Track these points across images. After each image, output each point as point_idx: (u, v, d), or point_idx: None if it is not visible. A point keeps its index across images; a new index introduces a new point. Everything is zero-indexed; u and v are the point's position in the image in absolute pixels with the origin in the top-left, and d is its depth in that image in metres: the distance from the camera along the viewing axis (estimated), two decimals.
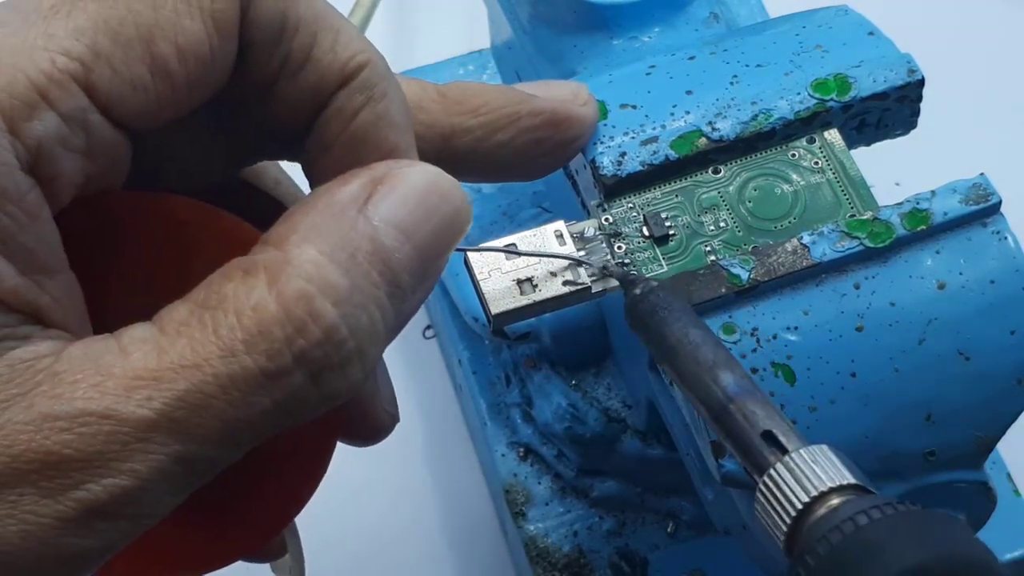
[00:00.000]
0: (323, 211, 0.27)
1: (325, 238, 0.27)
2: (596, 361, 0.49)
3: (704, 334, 0.32)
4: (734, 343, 0.34)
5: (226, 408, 0.26)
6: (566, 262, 0.35)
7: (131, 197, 0.29)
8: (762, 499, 0.29)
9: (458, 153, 0.34)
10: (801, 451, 0.29)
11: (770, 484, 0.29)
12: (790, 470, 0.29)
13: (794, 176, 0.37)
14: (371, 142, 0.29)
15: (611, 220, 0.36)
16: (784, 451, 0.29)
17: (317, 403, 0.27)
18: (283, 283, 0.26)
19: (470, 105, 0.34)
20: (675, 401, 0.37)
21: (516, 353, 0.50)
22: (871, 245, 0.35)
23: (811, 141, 0.37)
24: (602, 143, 0.37)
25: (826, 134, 0.37)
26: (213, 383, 0.25)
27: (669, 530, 0.48)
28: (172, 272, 0.29)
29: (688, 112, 0.37)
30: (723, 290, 0.35)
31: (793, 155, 0.37)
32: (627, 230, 0.36)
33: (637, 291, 0.33)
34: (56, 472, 0.25)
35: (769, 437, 0.30)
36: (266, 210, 0.31)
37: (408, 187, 0.28)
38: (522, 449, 0.50)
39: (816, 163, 0.37)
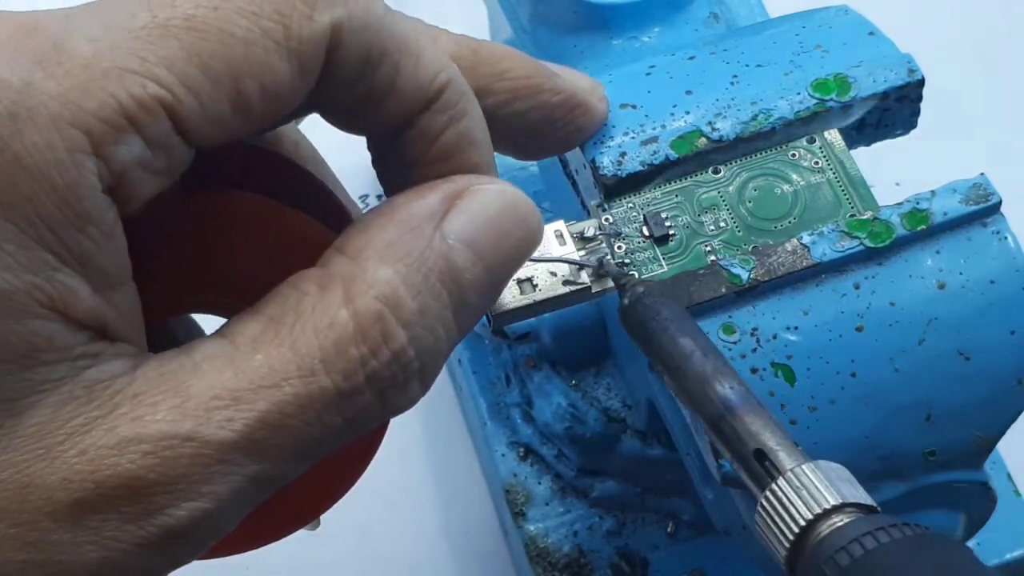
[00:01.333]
0: (400, 226, 0.27)
1: (401, 257, 0.27)
2: (596, 361, 0.49)
3: (695, 342, 0.32)
4: (734, 343, 0.34)
5: (302, 427, 0.26)
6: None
7: (190, 194, 0.29)
8: (763, 515, 0.29)
9: None
10: (802, 467, 0.29)
11: (772, 500, 0.29)
12: (791, 487, 0.29)
13: (794, 176, 0.37)
14: (453, 161, 0.29)
15: (611, 220, 0.36)
16: (779, 470, 0.29)
17: (379, 418, 0.27)
18: (359, 301, 0.26)
19: (498, 68, 0.34)
20: (675, 401, 0.37)
21: (516, 353, 0.50)
22: (871, 245, 0.35)
23: (811, 141, 0.37)
24: (602, 143, 0.37)
25: (826, 134, 0.37)
26: (292, 403, 0.26)
27: (669, 530, 0.48)
28: (235, 271, 0.29)
29: (688, 112, 0.37)
30: (723, 290, 0.35)
31: (793, 155, 0.37)
32: (627, 230, 0.36)
33: (626, 300, 0.33)
34: (140, 497, 0.25)
35: (763, 455, 0.30)
36: (283, 173, 0.31)
37: (486, 206, 0.28)
38: (522, 449, 0.50)
39: (816, 163, 0.37)
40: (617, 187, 0.36)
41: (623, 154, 0.37)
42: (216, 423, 0.25)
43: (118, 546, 0.25)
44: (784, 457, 0.29)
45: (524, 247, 0.29)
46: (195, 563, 0.56)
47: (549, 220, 0.36)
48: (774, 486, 0.29)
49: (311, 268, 0.27)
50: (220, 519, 0.25)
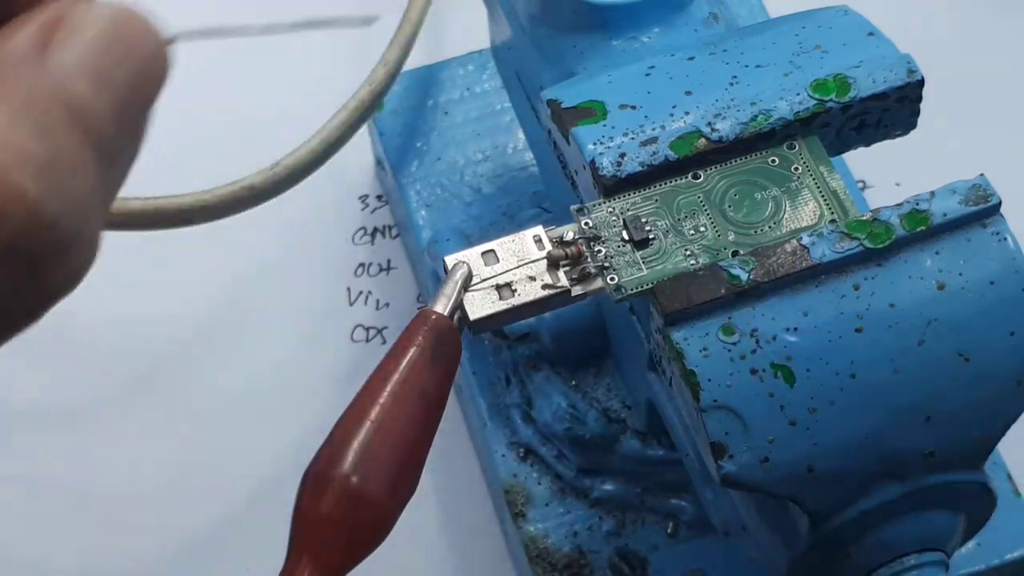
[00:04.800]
0: None
1: (7, 97, 0.21)
2: (596, 361, 0.49)
3: None
4: (734, 344, 0.34)
5: None
6: (543, 265, 0.35)
7: None
8: None
9: None
10: None
11: None
12: None
13: (774, 181, 0.37)
14: None
15: (591, 224, 0.36)
16: None
17: (36, 304, 0.22)
18: None
19: None
20: (674, 402, 0.37)
21: (516, 353, 0.50)
22: (871, 246, 0.35)
23: (791, 147, 0.37)
24: (602, 143, 0.37)
25: (806, 140, 0.37)
26: None
27: (669, 530, 0.48)
28: None
29: (688, 113, 0.37)
30: (723, 291, 0.35)
31: (773, 160, 0.37)
32: (607, 234, 0.36)
33: None
34: None
35: None
36: None
37: (93, 28, 0.23)
38: (522, 449, 0.50)
39: (796, 168, 0.37)
40: (616, 188, 0.36)
41: (622, 155, 0.37)
42: None
43: None
44: None
45: (152, 66, 0.24)
46: (195, 563, 0.56)
47: (548, 221, 0.36)
48: None
49: None
50: None
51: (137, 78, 0.24)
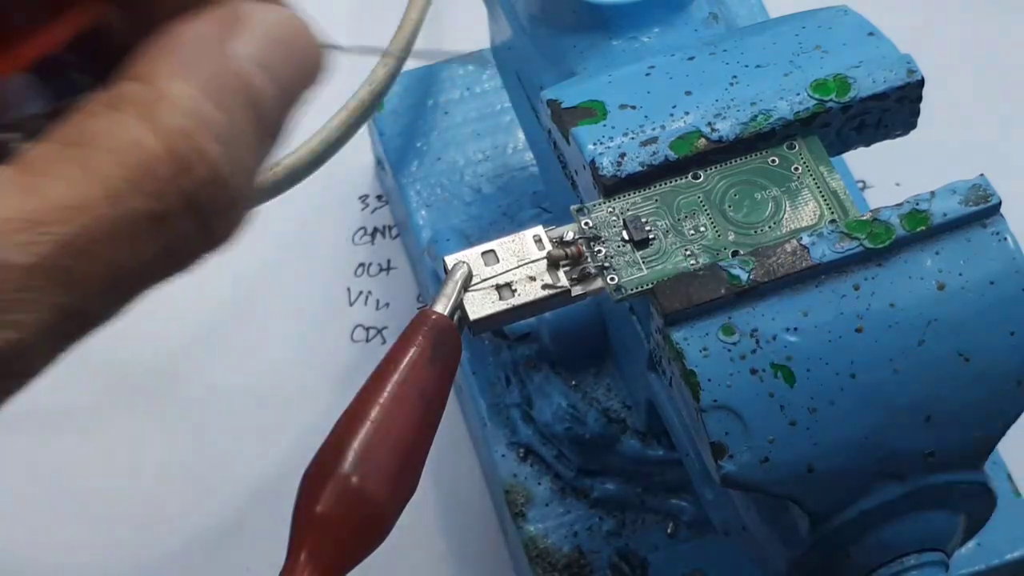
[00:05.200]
0: (186, 47, 0.25)
1: (196, 74, 0.25)
2: (596, 361, 0.49)
3: None
4: (734, 344, 0.34)
5: (114, 254, 0.24)
6: (543, 266, 0.35)
7: None
8: None
9: None
10: None
11: None
12: None
13: (774, 181, 0.37)
14: None
15: (591, 224, 0.36)
16: None
17: (202, 248, 0.25)
18: (163, 119, 0.24)
19: None
20: (674, 402, 0.37)
21: (516, 353, 0.50)
22: (870, 246, 0.35)
23: (791, 147, 0.37)
24: (602, 143, 0.37)
25: (806, 140, 0.37)
26: (100, 227, 0.24)
27: (669, 530, 0.48)
28: None
29: (688, 113, 0.37)
30: (723, 291, 0.35)
31: (773, 160, 0.37)
32: (607, 234, 0.36)
33: None
34: None
35: None
36: None
37: (267, 26, 0.26)
38: (522, 450, 0.50)
39: (796, 168, 0.37)
40: (617, 188, 0.36)
41: (623, 155, 0.37)
42: (15, 246, 0.23)
43: None
44: None
45: (312, 64, 0.27)
46: (195, 563, 0.56)
47: (548, 221, 0.36)
48: None
49: (99, 91, 0.25)
50: (29, 352, 0.23)
51: (297, 73, 0.27)
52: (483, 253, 0.35)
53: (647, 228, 0.36)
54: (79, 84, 0.28)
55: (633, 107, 0.38)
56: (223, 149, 0.25)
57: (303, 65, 0.27)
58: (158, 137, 0.24)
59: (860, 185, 0.57)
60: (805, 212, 0.36)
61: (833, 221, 0.36)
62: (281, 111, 0.27)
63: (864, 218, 0.36)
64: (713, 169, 0.37)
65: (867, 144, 0.39)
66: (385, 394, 0.31)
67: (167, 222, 0.24)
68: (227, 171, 0.25)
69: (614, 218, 0.36)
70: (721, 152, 0.37)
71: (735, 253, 0.35)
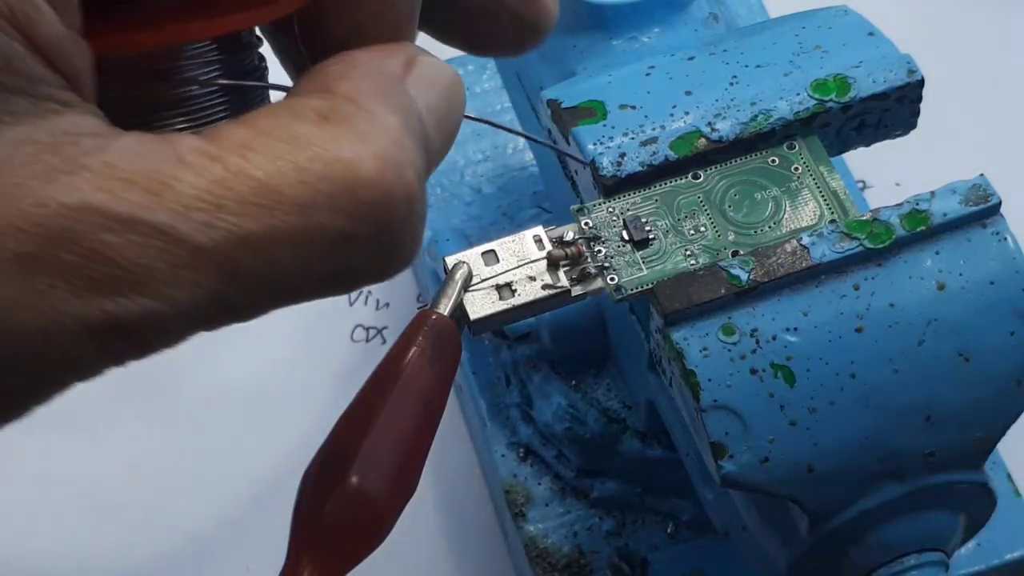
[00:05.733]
0: (382, 79, 0.26)
1: (398, 109, 0.25)
2: (596, 362, 0.49)
3: None
4: (734, 344, 0.34)
5: (287, 262, 0.23)
6: (543, 266, 0.35)
7: None
8: None
9: None
10: None
11: None
12: None
13: (774, 181, 0.37)
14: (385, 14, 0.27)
15: (591, 224, 0.36)
16: None
17: (371, 278, 0.25)
18: (378, 144, 0.24)
19: None
20: (675, 402, 0.37)
21: (516, 353, 0.50)
22: (871, 246, 0.35)
23: (791, 147, 0.37)
24: (602, 143, 0.37)
25: (806, 140, 0.37)
26: (285, 233, 0.23)
27: (669, 530, 0.48)
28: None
29: (688, 113, 0.37)
30: (723, 291, 0.35)
31: (773, 161, 0.37)
32: (607, 234, 0.36)
33: None
34: (95, 274, 0.22)
35: None
36: None
37: (440, 76, 0.27)
38: (522, 450, 0.50)
39: (796, 168, 0.37)
40: (617, 188, 0.36)
41: (622, 155, 0.37)
42: (195, 224, 0.23)
43: (58, 318, 0.22)
44: None
45: (459, 123, 0.28)
46: (195, 563, 0.56)
47: (547, 221, 0.36)
48: None
49: (301, 97, 0.25)
50: (168, 328, 0.23)
51: (454, 127, 0.28)
52: (483, 253, 0.35)
53: (647, 228, 0.36)
54: (250, 67, 0.29)
55: (633, 107, 0.38)
56: (420, 185, 0.25)
57: (457, 121, 0.28)
58: (374, 162, 0.24)
59: (860, 185, 0.57)
60: (805, 212, 0.36)
61: (833, 221, 0.36)
62: (437, 159, 0.27)
63: (864, 218, 0.36)
64: (713, 169, 0.37)
65: (867, 144, 0.39)
66: (385, 394, 0.31)
67: (350, 245, 0.24)
68: (419, 206, 0.25)
69: (614, 218, 0.36)
70: (721, 152, 0.37)
71: (735, 253, 0.35)
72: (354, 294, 0.56)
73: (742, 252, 0.35)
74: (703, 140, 0.37)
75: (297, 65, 0.29)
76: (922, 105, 0.39)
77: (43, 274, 0.22)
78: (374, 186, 0.24)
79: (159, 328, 0.23)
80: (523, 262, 0.35)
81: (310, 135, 0.24)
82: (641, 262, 0.35)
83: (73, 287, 0.22)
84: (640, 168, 0.36)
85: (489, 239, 0.35)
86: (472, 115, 0.32)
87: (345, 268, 0.25)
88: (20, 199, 0.22)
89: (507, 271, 0.35)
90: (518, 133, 0.40)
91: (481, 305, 0.34)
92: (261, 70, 0.29)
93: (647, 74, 0.39)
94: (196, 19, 0.27)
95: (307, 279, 0.24)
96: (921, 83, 0.38)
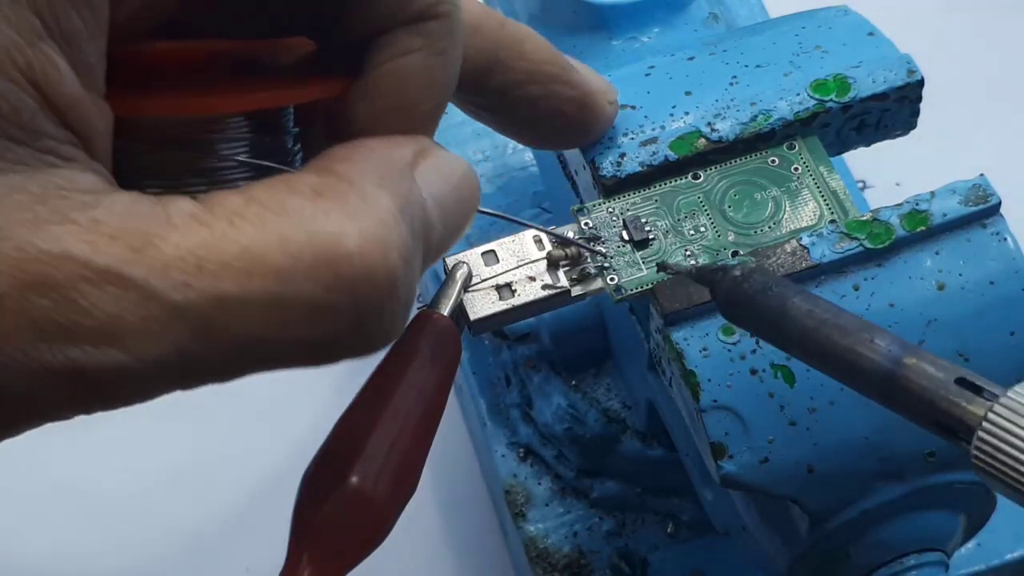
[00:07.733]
0: (385, 164, 0.27)
1: (395, 193, 0.26)
2: (596, 362, 0.49)
3: (831, 304, 0.30)
4: (734, 344, 0.34)
5: (261, 327, 0.24)
6: (543, 266, 0.35)
7: (166, 46, 0.28)
8: (988, 450, 0.27)
9: (487, 87, 0.33)
10: (1017, 389, 0.27)
11: (996, 431, 0.27)
12: (1015, 411, 0.27)
13: (774, 182, 0.37)
14: (410, 89, 0.28)
15: (591, 224, 0.36)
16: (992, 395, 0.27)
17: (348, 352, 0.26)
18: (366, 222, 0.25)
19: (521, 46, 0.33)
20: (675, 402, 0.37)
21: (516, 353, 0.50)
22: (870, 246, 0.35)
23: (791, 147, 0.37)
24: (601, 143, 0.37)
25: (806, 140, 0.37)
26: (260, 298, 0.24)
27: (669, 530, 0.48)
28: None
29: (687, 113, 0.37)
30: None
31: (773, 161, 0.37)
32: (606, 234, 0.36)
33: (736, 273, 0.32)
34: (64, 321, 0.22)
35: (967, 384, 0.28)
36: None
37: (452, 169, 0.28)
38: (522, 450, 0.50)
39: (795, 168, 0.37)
40: (616, 188, 0.36)
41: (622, 155, 0.37)
42: (172, 282, 0.23)
43: (21, 361, 0.22)
44: (986, 384, 0.27)
45: (470, 217, 0.29)
46: (195, 563, 0.56)
47: (547, 221, 0.36)
48: (991, 416, 0.27)
49: (301, 172, 0.26)
50: (133, 383, 0.23)
51: (461, 220, 0.29)
52: (483, 253, 0.35)
53: (647, 228, 0.36)
54: (280, 149, 0.29)
55: (633, 107, 0.38)
56: (405, 269, 0.25)
57: (466, 214, 0.29)
58: (358, 239, 0.24)
59: (860, 185, 0.57)
60: (805, 212, 0.36)
61: (833, 221, 0.36)
62: (441, 249, 0.28)
63: (864, 218, 0.36)
64: (713, 169, 0.37)
65: (867, 144, 0.39)
66: (385, 394, 0.31)
67: (327, 317, 0.25)
68: (402, 289, 0.25)
69: (614, 218, 0.36)
70: (721, 152, 0.37)
71: (735, 253, 0.35)
72: None
73: (742, 252, 0.35)
74: (703, 140, 0.37)
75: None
76: (922, 105, 0.39)
77: (11, 315, 0.22)
78: (354, 262, 0.25)
79: (124, 380, 0.23)
80: (523, 262, 0.35)
81: (300, 207, 0.25)
82: (641, 262, 0.35)
83: (40, 331, 0.22)
84: (640, 168, 0.37)
85: (489, 239, 0.35)
86: (488, 210, 0.33)
87: (322, 339, 0.25)
88: (1, 243, 0.22)
89: (507, 271, 0.35)
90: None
91: (481, 305, 0.34)
92: (292, 153, 0.30)
93: (647, 74, 0.39)
94: (221, 94, 0.28)
95: (283, 345, 0.25)
96: (921, 83, 0.38)
